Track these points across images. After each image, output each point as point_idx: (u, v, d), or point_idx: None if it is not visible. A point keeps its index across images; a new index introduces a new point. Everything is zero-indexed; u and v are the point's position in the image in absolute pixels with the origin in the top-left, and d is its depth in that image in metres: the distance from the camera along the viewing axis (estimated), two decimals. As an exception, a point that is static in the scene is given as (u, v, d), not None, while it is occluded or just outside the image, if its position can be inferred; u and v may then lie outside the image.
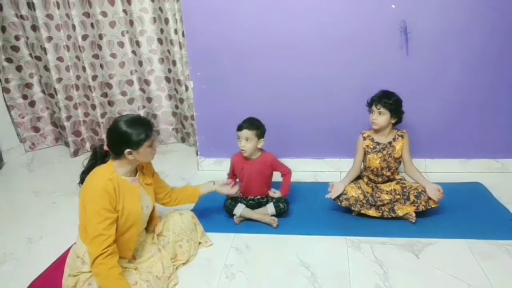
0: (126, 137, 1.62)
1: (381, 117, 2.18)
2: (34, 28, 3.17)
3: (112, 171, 1.65)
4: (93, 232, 1.57)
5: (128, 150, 1.62)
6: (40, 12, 3.06)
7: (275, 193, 2.30)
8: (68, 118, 3.39)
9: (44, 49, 3.17)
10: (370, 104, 2.23)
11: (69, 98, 3.37)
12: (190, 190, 2.14)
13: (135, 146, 1.63)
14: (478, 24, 2.44)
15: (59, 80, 3.28)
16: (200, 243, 2.09)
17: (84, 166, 1.76)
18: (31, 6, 3.06)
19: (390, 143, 2.26)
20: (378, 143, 2.27)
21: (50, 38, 3.15)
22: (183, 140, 3.51)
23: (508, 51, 2.48)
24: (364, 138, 2.31)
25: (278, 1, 2.52)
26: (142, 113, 3.47)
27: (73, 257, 1.73)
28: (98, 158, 1.75)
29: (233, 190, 2.20)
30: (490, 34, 2.46)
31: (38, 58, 3.31)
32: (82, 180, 1.71)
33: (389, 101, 2.17)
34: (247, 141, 2.20)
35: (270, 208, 2.26)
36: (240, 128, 2.22)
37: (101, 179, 1.61)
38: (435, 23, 2.46)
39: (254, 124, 2.22)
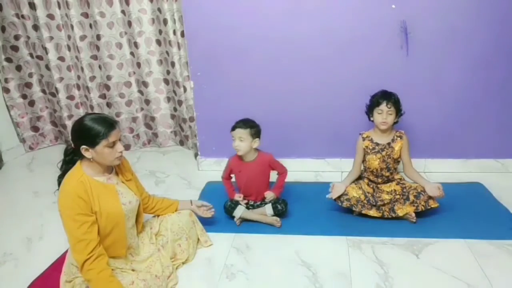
0: (84, 132, 1.58)
1: (390, 116, 2.18)
2: (36, 27, 3.17)
3: (81, 173, 1.62)
4: (73, 239, 1.56)
5: (84, 146, 1.59)
6: (41, 12, 3.07)
7: (268, 195, 2.30)
8: (70, 117, 3.42)
9: (45, 49, 3.18)
10: (375, 105, 2.20)
11: (70, 97, 3.39)
12: (169, 202, 2.07)
13: (91, 143, 1.58)
14: (478, 24, 2.44)
15: (61, 79, 3.30)
16: (199, 240, 2.08)
17: (59, 169, 1.71)
18: (32, 6, 3.07)
19: (389, 144, 2.26)
20: (377, 144, 2.28)
21: (51, 38, 3.16)
22: (181, 143, 3.50)
23: (508, 51, 2.48)
24: (364, 139, 2.31)
25: (278, 1, 2.52)
26: (140, 115, 3.44)
27: (68, 264, 1.72)
28: (67, 157, 1.70)
29: (208, 214, 2.14)
30: (490, 34, 2.46)
31: (40, 58, 3.31)
32: (59, 185, 1.66)
33: (395, 98, 2.18)
34: (241, 141, 2.20)
35: (268, 209, 2.26)
36: (233, 128, 2.23)
37: (71, 184, 1.58)
38: (435, 23, 2.46)
39: (247, 123, 2.22)
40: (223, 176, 2.40)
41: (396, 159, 2.27)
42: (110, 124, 1.61)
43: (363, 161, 2.33)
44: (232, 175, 2.39)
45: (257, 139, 2.24)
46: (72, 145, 1.65)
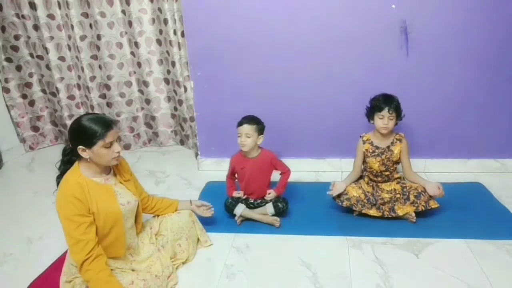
0: (80, 132, 1.57)
1: (391, 121, 2.18)
2: (36, 27, 3.17)
3: (78, 174, 1.61)
4: (70, 240, 1.55)
5: (81, 147, 1.58)
6: (41, 12, 3.07)
7: (270, 194, 2.30)
8: (70, 117, 3.42)
9: (46, 49, 3.18)
10: (376, 109, 2.19)
11: (71, 97, 3.39)
12: (169, 202, 2.07)
13: (87, 143, 1.56)
14: (478, 23, 2.44)
15: (61, 79, 3.31)
16: (199, 240, 2.08)
17: (58, 170, 1.71)
18: (32, 6, 3.07)
19: (388, 147, 2.26)
20: (377, 147, 2.27)
21: (51, 38, 3.16)
22: (182, 142, 3.50)
23: (508, 51, 2.48)
24: (364, 142, 2.30)
25: (279, 1, 2.52)
26: (141, 115, 3.45)
27: (68, 264, 1.72)
28: (65, 157, 1.70)
29: (207, 214, 2.14)
30: (490, 34, 2.46)
31: (40, 58, 3.31)
32: (58, 185, 1.65)
33: (397, 103, 2.17)
34: (247, 137, 2.23)
35: (269, 208, 2.27)
36: (240, 123, 2.26)
37: (68, 185, 1.58)
38: (435, 23, 2.46)
39: (254, 120, 2.26)
40: (227, 175, 2.42)
41: (396, 161, 2.27)
42: (107, 124, 1.60)
43: (363, 162, 2.33)
44: (236, 174, 2.40)
45: (261, 135, 2.28)
46: (70, 145, 1.65)
